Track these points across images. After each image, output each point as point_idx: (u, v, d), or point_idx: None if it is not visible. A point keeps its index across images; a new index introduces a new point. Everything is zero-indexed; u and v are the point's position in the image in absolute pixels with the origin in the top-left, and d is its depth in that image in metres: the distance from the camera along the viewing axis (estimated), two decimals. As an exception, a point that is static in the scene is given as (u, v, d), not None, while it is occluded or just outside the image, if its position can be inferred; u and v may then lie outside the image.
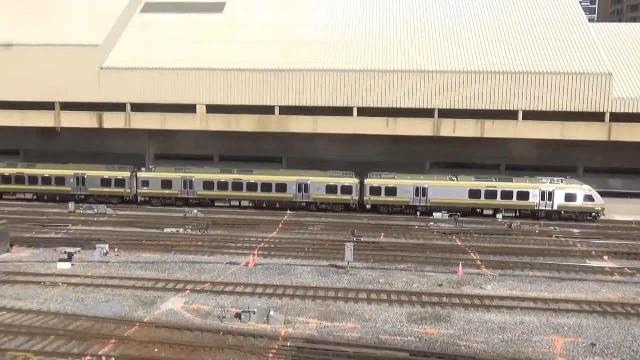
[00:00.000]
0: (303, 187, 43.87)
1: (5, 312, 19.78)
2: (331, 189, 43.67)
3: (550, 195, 41.46)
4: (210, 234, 34.77)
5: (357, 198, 43.64)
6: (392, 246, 32.00)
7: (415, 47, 47.04)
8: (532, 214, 42.29)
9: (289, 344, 17.22)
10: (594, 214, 41.61)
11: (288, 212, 43.39)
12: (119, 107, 47.09)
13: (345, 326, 19.15)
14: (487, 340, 18.17)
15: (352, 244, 27.62)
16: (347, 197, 43.58)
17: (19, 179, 47.41)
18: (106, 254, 28.29)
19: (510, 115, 43.33)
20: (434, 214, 42.11)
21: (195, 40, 49.61)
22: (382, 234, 35.59)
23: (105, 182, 46.41)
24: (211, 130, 46.86)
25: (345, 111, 44.96)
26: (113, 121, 47.32)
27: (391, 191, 42.95)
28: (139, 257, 28.37)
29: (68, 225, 36.52)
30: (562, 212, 41.71)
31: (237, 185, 44.45)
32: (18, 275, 24.56)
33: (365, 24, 50.67)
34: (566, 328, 19.39)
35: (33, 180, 47.17)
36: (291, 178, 44.08)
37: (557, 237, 35.94)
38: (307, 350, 16.75)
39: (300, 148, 49.20)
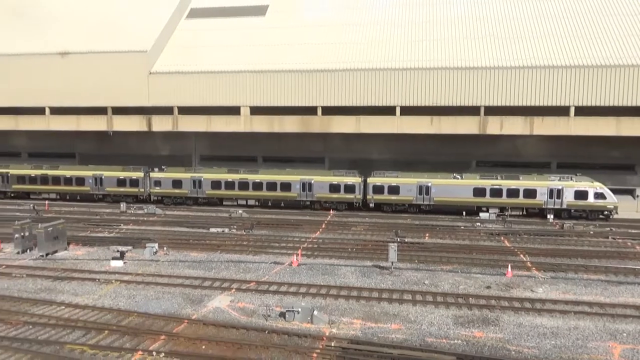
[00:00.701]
0: (307, 186, 44.38)
1: (63, 307, 20.80)
2: (334, 188, 43.98)
3: (559, 193, 40.14)
4: (255, 233, 35.28)
5: (360, 197, 43.71)
6: (437, 247, 31.40)
7: (459, 43, 45.98)
8: (540, 213, 41.01)
9: (332, 344, 17.21)
10: (605, 212, 40.02)
11: (331, 212, 43.46)
12: (166, 111, 48.65)
13: (389, 327, 18.94)
14: (538, 345, 17.51)
15: (396, 244, 27.32)
16: (350, 196, 43.84)
17: (44, 180, 50.29)
18: (155, 252, 29.23)
19: (561, 111, 41.63)
20: (480, 214, 41.03)
21: (238, 44, 50.54)
22: (427, 235, 35.00)
23: (121, 182, 48.59)
24: (255, 132, 47.60)
25: (388, 110, 44.55)
26: (161, 124, 48.89)
27: (394, 189, 42.95)
28: (187, 255, 29.15)
29: (120, 225, 38.02)
30: (572, 210, 40.36)
31: (243, 185, 45.50)
32: (75, 272, 25.78)
33: (408, 21, 50.02)
34: (625, 334, 18.40)
35: (56, 180, 49.93)
36: (295, 177, 44.69)
37: (613, 238, 34.19)
38: (351, 350, 16.68)
39: (342, 148, 49.21)
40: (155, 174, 48.06)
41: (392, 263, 26.12)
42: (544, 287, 23.64)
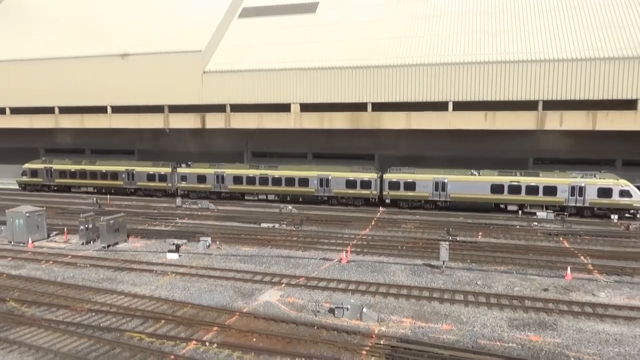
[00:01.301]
0: (324, 182, 45.07)
1: (123, 296, 21.83)
2: (351, 184, 44.36)
3: (581, 190, 38.73)
4: (304, 229, 35.56)
5: (376, 192, 43.83)
6: (491, 246, 30.45)
7: (515, 35, 44.33)
8: (562, 210, 39.54)
9: (382, 342, 17.09)
10: (632, 211, 38.40)
11: (381, 209, 43.14)
12: (219, 108, 49.94)
13: (440, 327, 18.57)
14: (600, 352, 16.62)
15: (447, 242, 26.74)
16: (366, 192, 44.11)
17: (83, 174, 53.90)
18: (209, 246, 30.09)
19: (628, 105, 39.23)
20: (538, 214, 39.42)
21: (289, 42, 51.08)
22: (480, 233, 34.02)
23: (151, 177, 51.21)
24: (305, 128, 47.97)
25: (440, 106, 43.64)
26: (214, 121, 50.25)
27: (410, 186, 42.91)
28: (238, 250, 29.81)
29: (175, 219, 39.42)
30: (595, 209, 38.98)
31: (264, 180, 46.86)
32: (133, 263, 26.99)
33: (459, 14, 48.73)
34: (698, 344, 17.13)
35: (93, 175, 53.49)
36: (312, 173, 45.50)
37: (685, 241, 31.89)
38: (401, 349, 16.49)
39: (393, 145, 48.74)
40: (182, 170, 50.28)
41: (443, 262, 25.59)
42: (606, 292, 22.40)
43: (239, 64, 49.85)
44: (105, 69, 53.25)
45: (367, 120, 45.66)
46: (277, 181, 46.51)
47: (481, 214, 40.52)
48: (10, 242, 31.44)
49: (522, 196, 40.01)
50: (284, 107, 48.00)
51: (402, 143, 48.37)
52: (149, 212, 42.35)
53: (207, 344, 16.93)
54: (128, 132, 56.10)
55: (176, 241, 29.92)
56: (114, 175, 52.46)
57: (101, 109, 54.24)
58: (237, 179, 48.03)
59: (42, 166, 55.86)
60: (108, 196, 50.76)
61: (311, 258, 27.93)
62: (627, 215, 38.60)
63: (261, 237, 32.83)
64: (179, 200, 46.06)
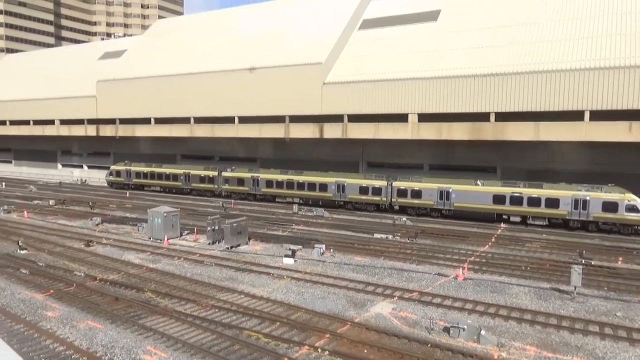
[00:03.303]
0: (341, 188, 48.22)
1: (243, 296, 23.14)
2: (364, 190, 47.10)
3: (585, 204, 37.53)
4: (419, 242, 34.69)
5: (386, 199, 46.08)
6: (634, 274, 26.90)
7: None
8: (565, 224, 38.61)
9: (502, 369, 15.91)
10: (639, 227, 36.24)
11: (502, 225, 40.57)
12: (337, 118, 51.02)
13: (570, 360, 16.79)
14: None
15: (580, 266, 24.19)
16: (377, 198, 46.64)
17: (152, 175, 63.34)
18: (322, 253, 30.71)
19: None
20: (693, 240, 34.25)
21: (409, 51, 50.57)
22: (620, 258, 30.26)
23: (202, 179, 58.19)
24: (422, 139, 46.99)
25: (573, 115, 39.89)
26: (332, 131, 51.44)
27: (416, 194, 44.48)
28: (351, 259, 29.99)
29: (292, 225, 40.93)
30: (600, 223, 37.48)
31: (290, 184, 51.33)
32: (253, 265, 28.51)
33: (597, 15, 44.14)
34: None
35: (159, 176, 62.53)
36: (331, 179, 49.03)
37: None
38: (524, 379, 15.20)
39: (518, 157, 45.65)
40: (226, 173, 56.28)
41: (575, 287, 23.17)
42: None
43: (357, 75, 50.57)
44: (234, 82, 57.50)
45: (490, 131, 43.34)
46: (301, 185, 50.62)
47: (622, 237, 36.08)
48: (150, 238, 35.15)
49: (524, 207, 39.83)
50: (401, 117, 47.53)
51: (528, 155, 45.09)
52: (268, 217, 44.52)
53: (319, 350, 17.18)
54: (251, 141, 59.82)
55: (292, 246, 31.06)
56: (175, 177, 60.83)
57: (229, 119, 58.58)
58: (269, 183, 53.01)
59: (124, 168, 66.67)
60: (232, 200, 54.44)
61: (425, 272, 27.11)
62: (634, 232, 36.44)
63: (374, 248, 32.68)
64: (295, 207, 47.81)
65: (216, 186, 57.55)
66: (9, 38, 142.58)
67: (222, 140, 61.94)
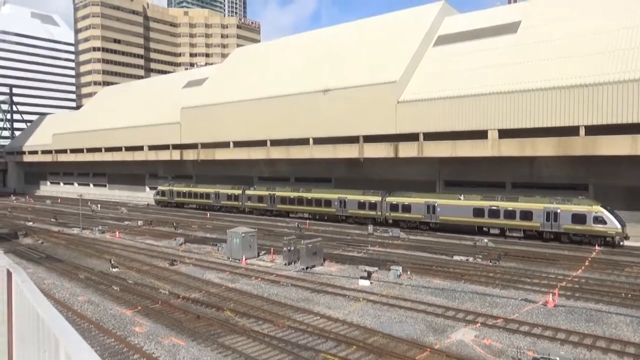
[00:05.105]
0: (342, 203, 52.80)
1: (319, 317, 23.10)
2: (361, 205, 51.36)
3: (556, 216, 39.25)
4: (502, 265, 32.92)
5: (380, 213, 49.83)
6: None
7: None
8: (539, 236, 40.45)
9: (602, 408, 14.45)
10: (607, 238, 37.40)
11: (597, 248, 37.52)
12: (412, 137, 50.30)
13: (685, 402, 14.90)
14: None
15: (692, 295, 21.78)
16: (372, 213, 50.55)
17: (189, 195, 72.05)
18: (399, 275, 30.03)
19: None
20: None
21: (486, 65, 49.08)
22: None
23: (229, 197, 65.80)
24: (503, 156, 45.02)
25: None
26: (407, 150, 50.76)
27: (407, 208, 47.93)
28: (429, 282, 29.04)
29: (367, 246, 40.56)
30: (570, 235, 39.11)
31: (300, 201, 56.89)
32: (328, 287, 28.46)
33: None
34: None
35: (195, 195, 71.01)
36: (334, 196, 54.07)
37: None
38: (629, 421, 13.68)
39: (612, 173, 42.28)
40: (249, 192, 63.47)
41: (686, 319, 20.78)
42: None
43: (433, 92, 49.75)
44: (308, 104, 58.82)
45: (579, 146, 40.60)
46: (309, 202, 55.85)
47: None
48: (229, 258, 36.35)
49: (501, 220, 41.92)
50: (480, 134, 45.91)
51: (623, 171, 41.60)
52: (343, 238, 44.47)
53: (397, 376, 16.62)
54: (324, 162, 60.51)
55: (368, 268, 30.69)
56: (207, 196, 68.94)
57: (304, 141, 59.78)
58: (283, 199, 58.60)
59: (167, 188, 76.26)
60: (307, 221, 55.14)
61: (510, 298, 25.56)
62: (602, 242, 37.43)
63: (454, 270, 31.46)
64: (370, 228, 47.42)
65: (240, 203, 64.20)
66: (105, 72, 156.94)
67: (297, 161, 63.23)
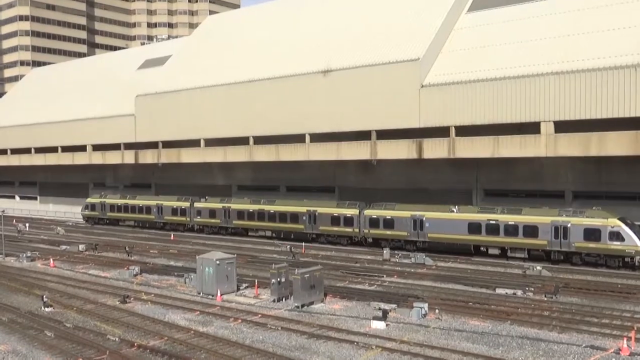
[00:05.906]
0: (312, 218, 55.47)
1: (318, 372, 23.15)
2: (335, 220, 53.85)
3: (565, 231, 40.30)
4: (561, 300, 33.05)
5: (357, 230, 51.81)
6: None
7: None
8: (547, 256, 41.70)
9: None
10: (626, 258, 38.74)
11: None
12: (440, 133, 50.38)
13: None
14: None
15: None
16: (348, 229, 52.89)
17: (126, 208, 74.33)
18: (425, 315, 30.07)
19: None
20: None
21: (540, 36, 49.09)
22: None
23: (174, 211, 68.39)
24: (560, 156, 45.19)
25: None
26: (434, 150, 50.85)
27: (389, 223, 49.22)
28: (464, 323, 29.11)
29: (382, 276, 40.61)
30: (583, 255, 40.31)
31: (261, 215, 59.38)
32: (331, 330, 28.50)
33: None
34: None
35: (133, 209, 73.51)
36: (301, 208, 56.26)
37: None
38: None
39: None
40: (198, 204, 65.93)
41: None
42: None
43: (467, 73, 49.84)
44: (303, 90, 59.01)
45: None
46: (272, 217, 58.51)
47: None
48: (199, 293, 36.39)
49: (501, 237, 43.42)
50: (530, 128, 46.03)
51: None
52: (351, 266, 44.57)
53: None
54: (327, 165, 60.64)
55: (383, 305, 30.73)
56: (148, 210, 71.10)
57: (298, 138, 59.85)
58: (240, 214, 61.03)
59: (98, 201, 78.95)
60: (303, 244, 55.28)
61: (572, 344, 25.65)
62: (620, 263, 38.97)
63: (497, 308, 31.59)
64: (386, 253, 47.52)
65: (188, 219, 66.64)
66: (35, 49, 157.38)
67: (289, 165, 63.32)
